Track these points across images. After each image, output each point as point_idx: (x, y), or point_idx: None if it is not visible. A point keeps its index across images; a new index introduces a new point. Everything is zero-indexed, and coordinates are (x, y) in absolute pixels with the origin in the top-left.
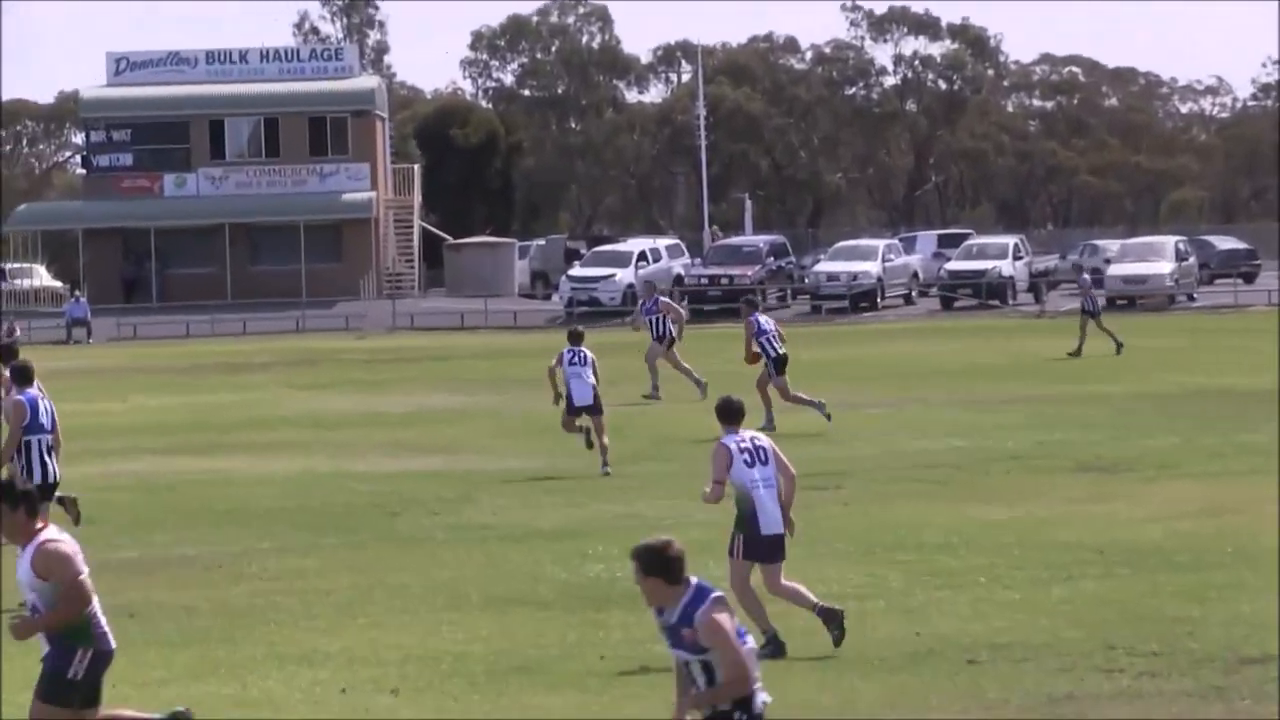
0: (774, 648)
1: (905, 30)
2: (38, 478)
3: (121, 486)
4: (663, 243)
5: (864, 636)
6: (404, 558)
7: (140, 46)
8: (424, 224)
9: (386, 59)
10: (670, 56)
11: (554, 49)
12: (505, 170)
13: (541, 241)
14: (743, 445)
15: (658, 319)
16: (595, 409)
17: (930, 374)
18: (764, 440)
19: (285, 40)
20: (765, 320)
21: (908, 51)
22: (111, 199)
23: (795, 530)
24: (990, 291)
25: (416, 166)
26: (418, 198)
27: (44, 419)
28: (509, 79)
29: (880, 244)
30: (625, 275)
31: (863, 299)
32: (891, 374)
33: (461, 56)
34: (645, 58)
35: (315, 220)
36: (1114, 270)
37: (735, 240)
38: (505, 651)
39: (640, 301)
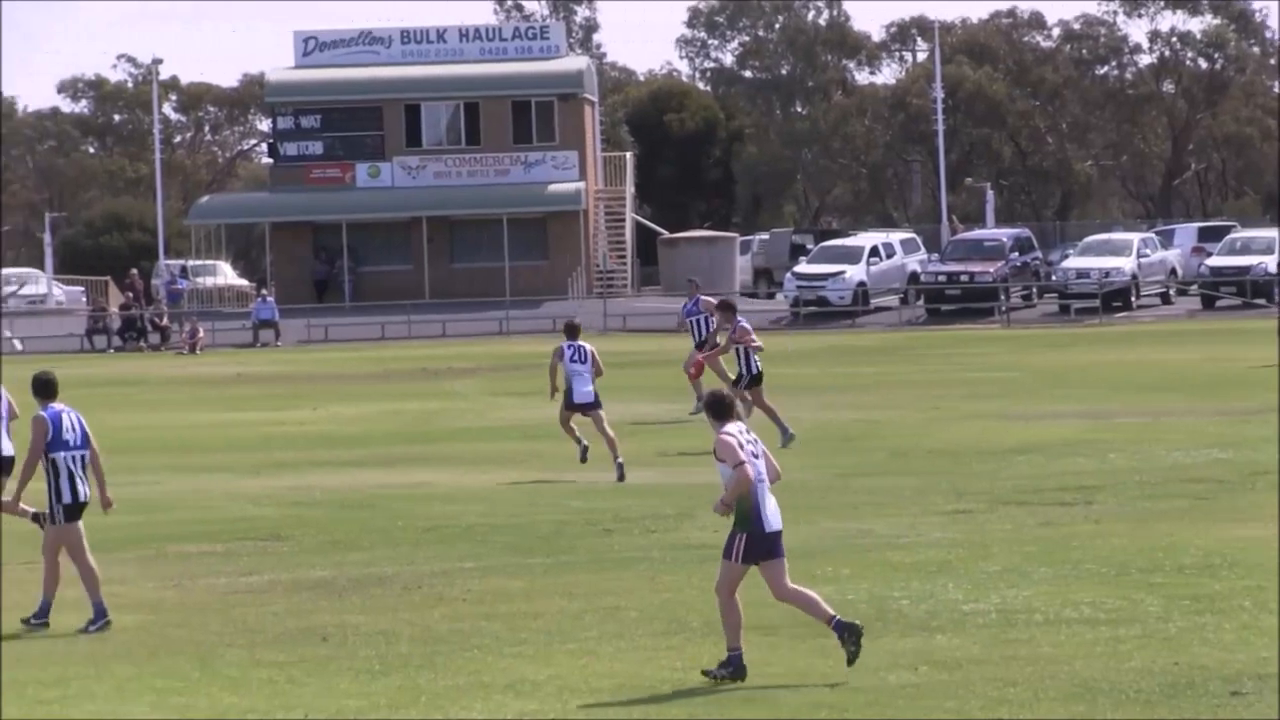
0: (734, 668)
1: (1162, 4)
2: (67, 497)
3: (314, 502)
4: (896, 236)
5: (1118, 666)
6: (618, 579)
7: (330, 25)
8: (637, 217)
9: (596, 37)
10: (904, 34)
11: (777, 26)
12: (725, 159)
13: (765, 235)
14: (745, 439)
15: (702, 320)
16: (595, 405)
17: (1190, 379)
18: (755, 434)
19: (486, 18)
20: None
21: (1165, 27)
22: (300, 190)
23: None
24: (1255, 290)
25: (629, 155)
26: (630, 188)
27: (68, 435)
28: (729, 59)
29: (1135, 238)
30: (856, 272)
31: (1115, 298)
32: (1147, 379)
33: (677, 35)
34: (877, 35)
35: (519, 213)
36: None
37: (976, 234)
38: (728, 680)
39: (685, 301)
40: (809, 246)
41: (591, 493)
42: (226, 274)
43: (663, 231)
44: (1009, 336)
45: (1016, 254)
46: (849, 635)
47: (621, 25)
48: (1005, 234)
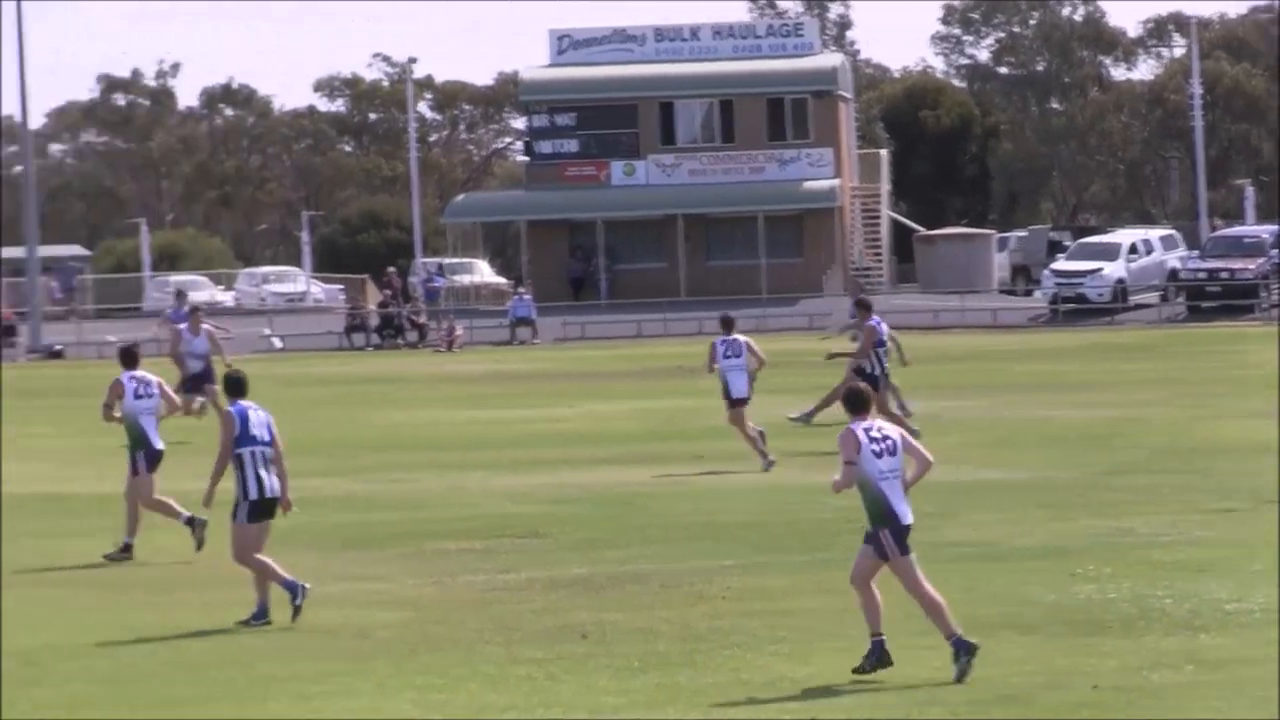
0: (877, 656)
1: None
2: (254, 492)
3: (571, 499)
4: (1155, 234)
5: None
6: None
7: (584, 23)
8: (893, 214)
9: (849, 34)
10: (1161, 30)
11: (1033, 23)
12: (981, 155)
13: (1022, 233)
14: (872, 434)
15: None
16: (744, 402)
17: None
18: (892, 430)
19: (740, 15)
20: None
21: None
22: (555, 188)
23: None
24: None
25: (884, 152)
26: (886, 185)
27: (256, 430)
28: (984, 56)
29: None
30: (1114, 269)
31: None
32: None
33: (932, 31)
34: (1133, 31)
35: (775, 211)
36: None
37: (1236, 230)
38: (987, 680)
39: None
40: (1066, 243)
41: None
42: (483, 272)
43: (919, 228)
44: (1270, 334)
45: (1277, 251)
46: (879, 658)
47: (875, 22)
48: (1266, 230)
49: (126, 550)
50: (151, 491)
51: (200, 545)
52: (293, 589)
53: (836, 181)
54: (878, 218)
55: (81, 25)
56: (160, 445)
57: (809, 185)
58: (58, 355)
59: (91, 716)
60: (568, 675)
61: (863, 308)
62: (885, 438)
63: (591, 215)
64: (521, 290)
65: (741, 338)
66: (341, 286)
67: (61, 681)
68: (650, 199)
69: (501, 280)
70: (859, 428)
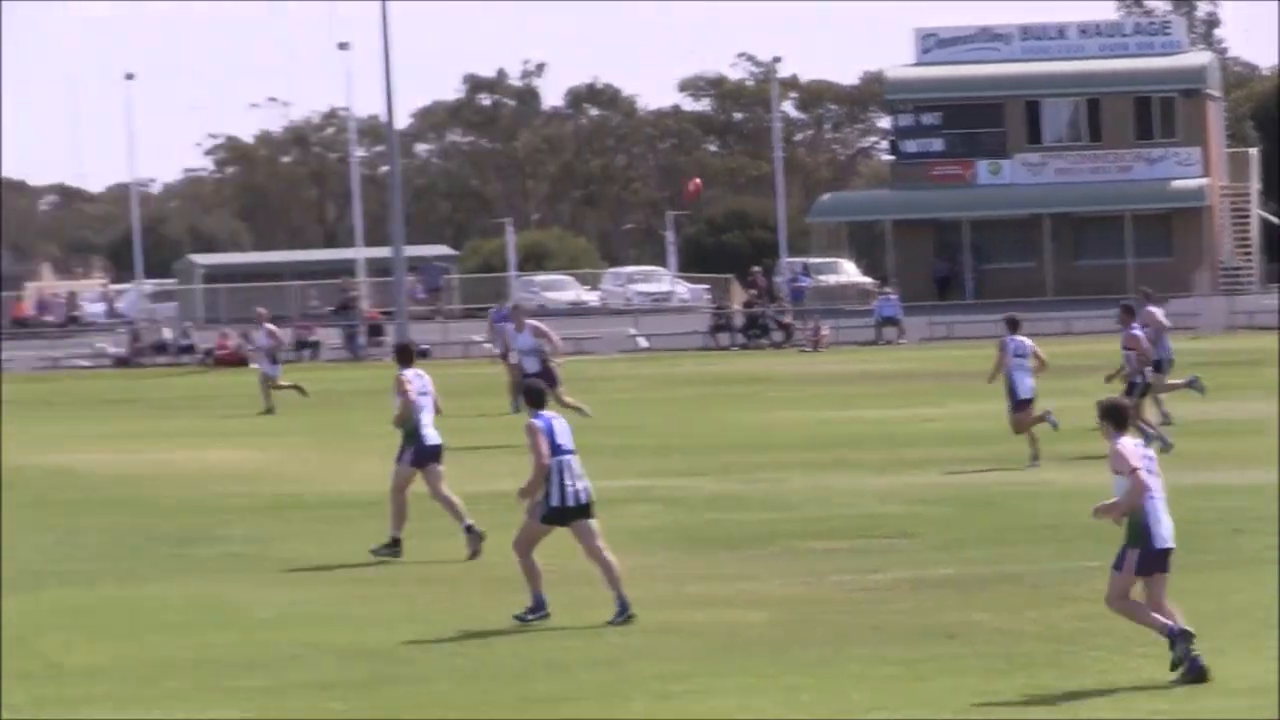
0: (1184, 650)
1: None
2: (554, 499)
3: (937, 499)
4: None
5: None
6: (1248, 579)
7: (950, 22)
8: (1263, 213)
9: (1217, 33)
10: None
11: None
12: None
13: None
14: (1143, 452)
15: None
16: (1030, 401)
17: None
18: (1153, 452)
19: (1107, 14)
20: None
21: None
22: (921, 188)
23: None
24: None
25: (1253, 150)
26: (1255, 184)
27: (562, 440)
28: None
29: None
30: None
31: None
32: None
33: None
34: None
35: (1142, 210)
36: None
37: None
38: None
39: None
40: None
41: (1223, 491)
42: (849, 271)
43: None
44: None
45: None
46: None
47: (1244, 21)
48: None
49: (474, 535)
50: (405, 484)
51: (375, 552)
52: (623, 607)
53: (1205, 180)
54: (1247, 217)
55: (447, 25)
56: (434, 440)
57: (1177, 184)
58: (424, 355)
59: (454, 715)
60: (935, 675)
61: (1125, 312)
62: (1153, 459)
63: (957, 215)
64: (887, 290)
65: (1027, 340)
66: (707, 286)
67: (423, 679)
68: (1016, 198)
69: (867, 280)
70: (1131, 442)
